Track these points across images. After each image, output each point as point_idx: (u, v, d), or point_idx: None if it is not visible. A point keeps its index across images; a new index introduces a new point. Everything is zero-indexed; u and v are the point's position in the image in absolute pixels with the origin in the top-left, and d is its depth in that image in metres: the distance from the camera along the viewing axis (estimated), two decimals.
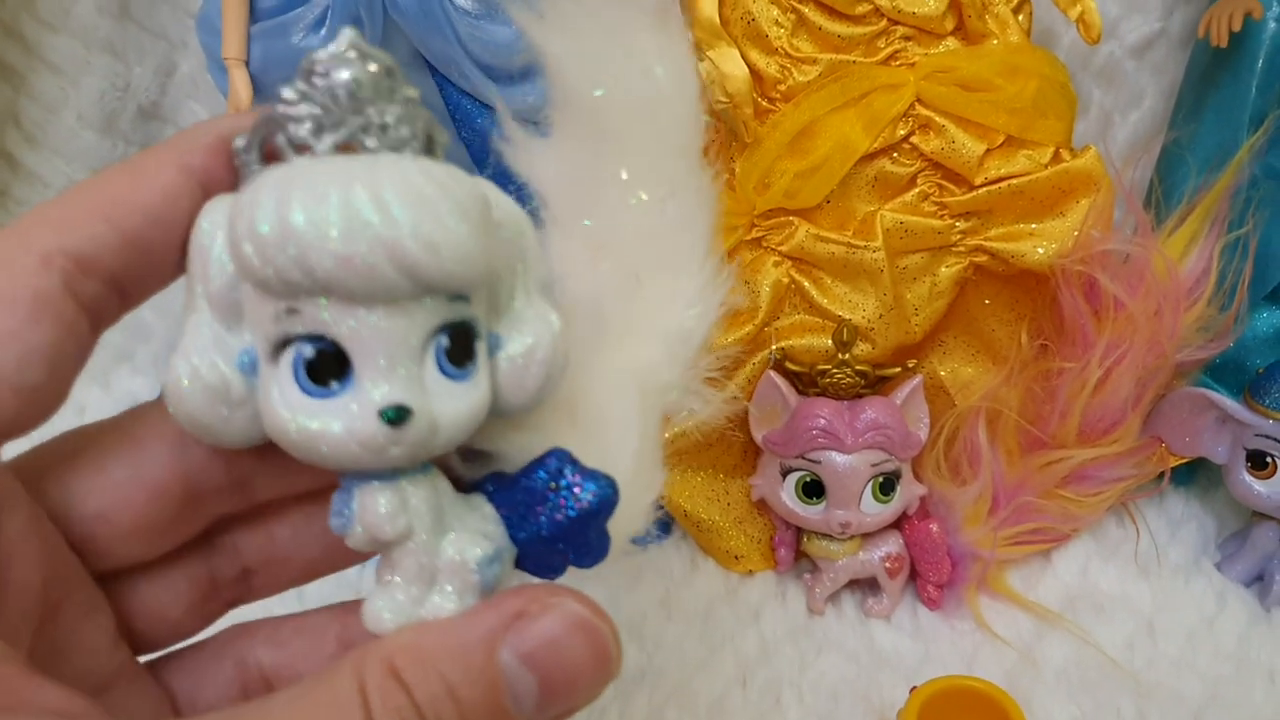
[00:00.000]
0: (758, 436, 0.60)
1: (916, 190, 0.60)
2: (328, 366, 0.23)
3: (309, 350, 0.23)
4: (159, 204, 0.24)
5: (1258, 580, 0.63)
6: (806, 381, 0.60)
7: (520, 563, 0.27)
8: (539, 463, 0.26)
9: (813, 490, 0.59)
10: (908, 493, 0.60)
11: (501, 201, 0.26)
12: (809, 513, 0.60)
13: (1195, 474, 0.68)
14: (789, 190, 0.59)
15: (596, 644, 0.24)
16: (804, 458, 0.59)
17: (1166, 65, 0.70)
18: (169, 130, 0.71)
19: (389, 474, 0.24)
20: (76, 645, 0.26)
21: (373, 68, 0.23)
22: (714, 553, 0.64)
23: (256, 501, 0.28)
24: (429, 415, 0.23)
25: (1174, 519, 0.67)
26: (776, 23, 0.58)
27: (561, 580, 0.26)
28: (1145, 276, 0.58)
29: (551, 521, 0.26)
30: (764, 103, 0.59)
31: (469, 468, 0.27)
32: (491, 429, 0.26)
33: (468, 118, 0.59)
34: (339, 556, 0.29)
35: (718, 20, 0.57)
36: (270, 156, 0.24)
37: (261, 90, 0.57)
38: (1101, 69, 0.70)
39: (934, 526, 0.61)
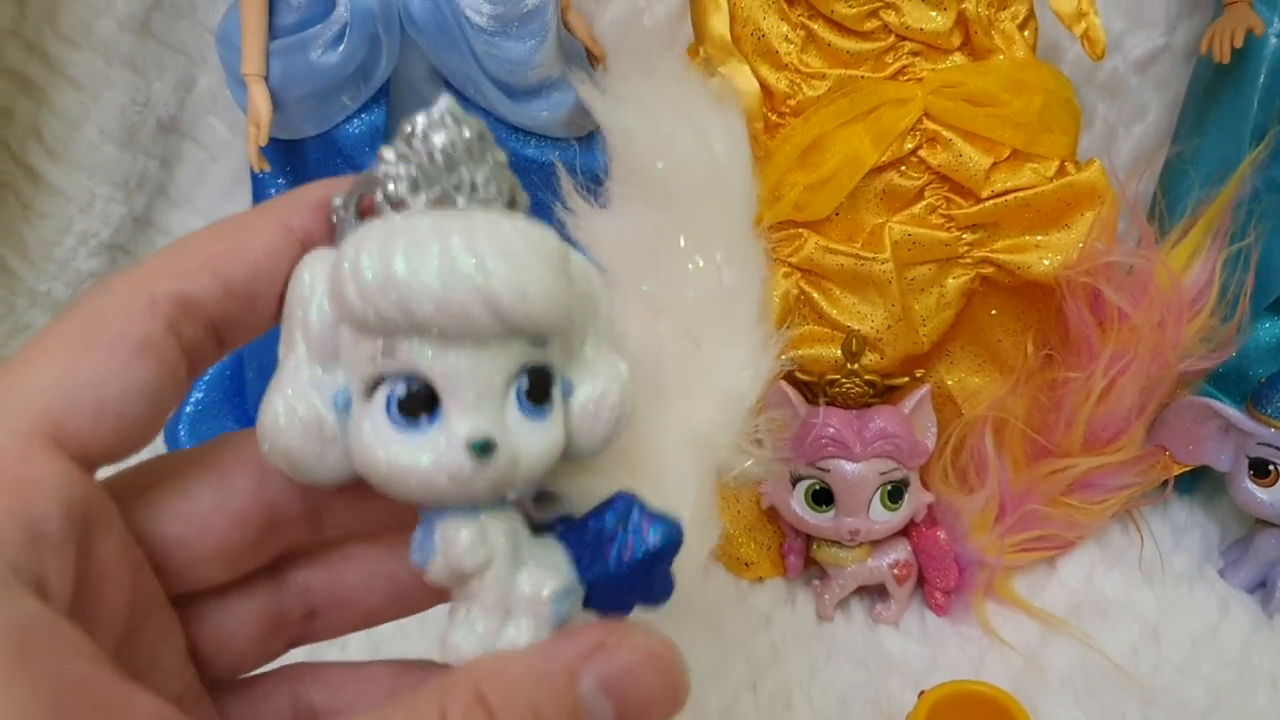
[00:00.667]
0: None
1: (924, 203, 0.60)
2: (419, 403, 0.25)
3: (401, 388, 0.25)
4: (262, 259, 0.26)
5: (1260, 587, 0.63)
6: (816, 391, 0.60)
7: (588, 602, 0.28)
8: (608, 504, 0.27)
9: (822, 498, 0.60)
10: (916, 500, 0.61)
11: (574, 256, 0.28)
12: (818, 520, 0.60)
13: (1199, 482, 0.69)
14: (799, 203, 0.59)
15: (669, 675, 0.25)
16: (813, 466, 0.59)
17: (1170, 80, 0.71)
18: (187, 144, 0.72)
19: (470, 508, 0.25)
20: (153, 664, 0.27)
21: (466, 133, 0.25)
22: (724, 560, 0.65)
23: (327, 537, 0.30)
24: (511, 450, 0.25)
25: (1178, 526, 0.68)
26: (786, 39, 0.59)
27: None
28: (1149, 288, 0.59)
29: (619, 561, 0.27)
30: (774, 117, 0.60)
31: (539, 509, 0.28)
32: (559, 472, 0.28)
33: None
34: (402, 604, 0.30)
35: (729, 37, 0.58)
36: (366, 213, 0.26)
37: (280, 105, 0.58)
38: (1106, 84, 0.71)
39: (941, 534, 0.62)
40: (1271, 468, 0.60)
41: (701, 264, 0.32)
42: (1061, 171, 0.60)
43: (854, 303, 0.61)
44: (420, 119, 0.25)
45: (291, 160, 0.62)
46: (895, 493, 0.60)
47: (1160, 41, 0.69)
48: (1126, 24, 0.69)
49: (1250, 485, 0.61)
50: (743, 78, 0.58)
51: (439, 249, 0.24)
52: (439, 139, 0.25)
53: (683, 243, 0.32)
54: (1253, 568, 0.63)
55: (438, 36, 0.57)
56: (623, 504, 0.27)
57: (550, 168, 0.61)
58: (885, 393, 0.60)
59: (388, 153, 0.26)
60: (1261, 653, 0.59)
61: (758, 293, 0.33)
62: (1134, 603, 0.63)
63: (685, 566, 0.29)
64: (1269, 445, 0.60)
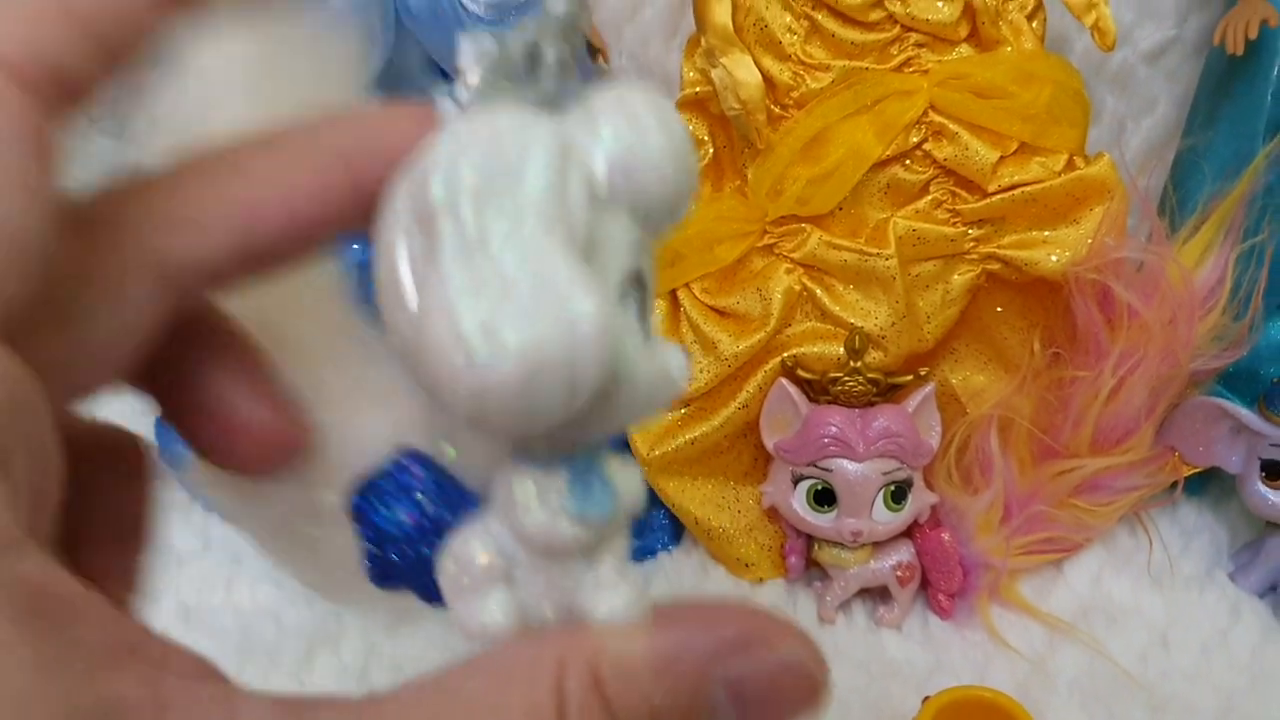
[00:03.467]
0: (769, 444, 0.61)
1: (929, 197, 0.60)
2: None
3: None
4: None
5: (1271, 591, 0.62)
6: (818, 389, 0.60)
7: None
8: None
9: (824, 498, 0.60)
10: (919, 501, 0.60)
11: None
12: (820, 521, 0.60)
13: (1208, 484, 0.68)
14: (801, 197, 0.59)
15: (809, 693, 0.22)
16: (815, 465, 0.59)
17: (1180, 72, 0.70)
18: None
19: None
20: None
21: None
22: (724, 560, 0.64)
23: None
24: None
25: (1187, 529, 0.67)
26: (790, 29, 0.58)
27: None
28: (1159, 285, 0.58)
29: None
30: (777, 109, 0.59)
31: None
32: None
33: None
34: None
35: (731, 27, 0.57)
36: None
37: None
38: (1115, 75, 0.70)
39: (945, 535, 0.61)
40: None
41: None
42: (1070, 165, 0.59)
43: (857, 299, 0.61)
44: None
45: None
46: (898, 493, 0.59)
47: (1171, 33, 0.69)
48: (1137, 15, 0.69)
49: (1262, 487, 0.61)
50: (745, 69, 0.58)
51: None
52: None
53: None
54: (1263, 572, 0.62)
55: (433, 25, 0.56)
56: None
57: None
58: (888, 391, 0.60)
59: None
60: (1273, 659, 0.59)
61: None
62: (1142, 607, 0.62)
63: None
64: None
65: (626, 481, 0.21)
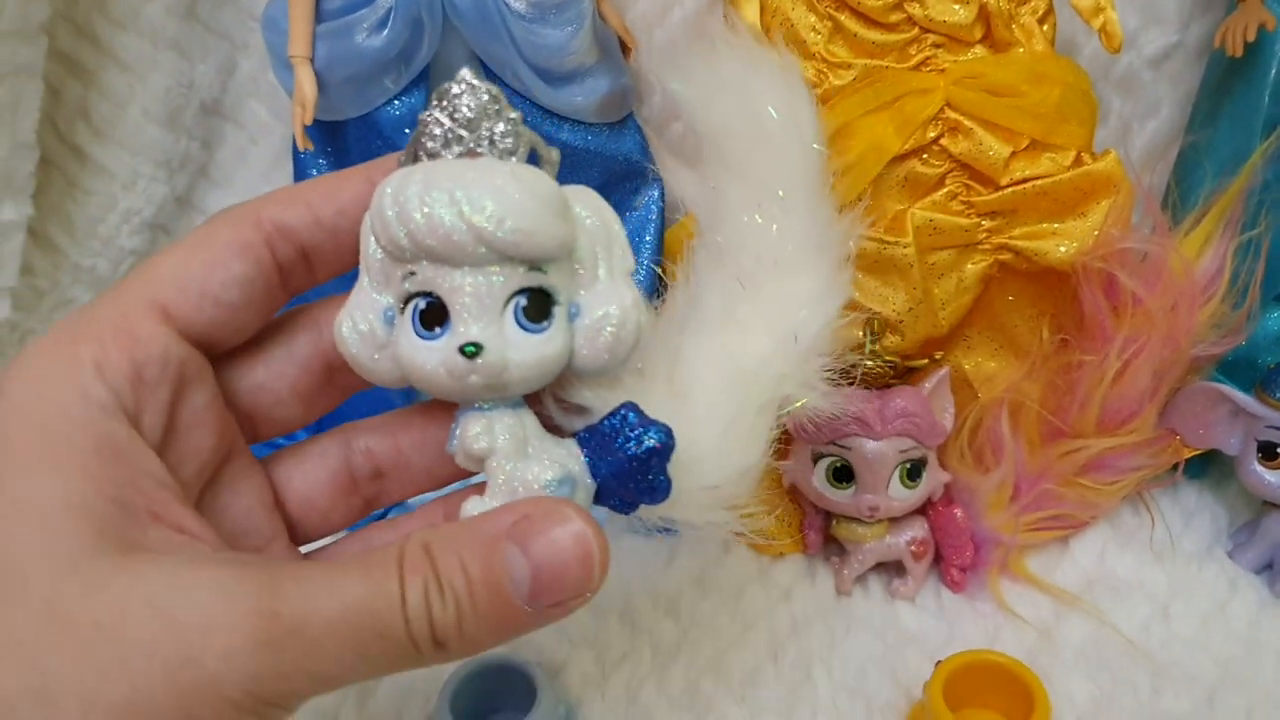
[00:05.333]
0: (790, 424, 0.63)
1: (945, 190, 0.62)
2: (433, 315, 0.31)
3: (422, 304, 0.31)
4: (348, 201, 0.33)
5: (1268, 569, 0.65)
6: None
7: (599, 498, 0.33)
8: (613, 412, 0.33)
9: (842, 475, 0.62)
10: (933, 479, 0.62)
11: (590, 200, 0.33)
12: (838, 497, 0.62)
13: (1208, 467, 0.70)
14: None
15: (586, 551, 0.29)
16: (835, 444, 0.61)
17: (1183, 76, 0.72)
18: (229, 126, 0.74)
19: (483, 408, 0.32)
20: (240, 510, 0.33)
21: (484, 96, 0.31)
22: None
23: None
24: (501, 355, 0.30)
25: (1188, 509, 0.69)
26: (814, 29, 0.61)
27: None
28: (1162, 274, 0.61)
29: (618, 459, 0.32)
30: None
31: (568, 420, 0.34)
32: (585, 387, 0.34)
33: None
34: (452, 469, 0.36)
35: (759, 26, 0.60)
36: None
37: (325, 87, 0.59)
38: (1121, 78, 0.72)
39: (958, 512, 0.63)
40: (1279, 450, 0.62)
41: (758, 219, 0.35)
42: (1078, 161, 0.62)
43: (876, 286, 0.63)
44: (448, 87, 0.31)
45: (333, 141, 0.64)
46: (914, 471, 0.61)
47: (1174, 38, 0.71)
48: (1141, 21, 0.70)
49: (1258, 468, 0.63)
50: None
51: (440, 188, 0.29)
52: (463, 103, 0.31)
53: (738, 197, 0.35)
54: (1260, 549, 0.65)
55: (479, 22, 0.59)
56: (623, 410, 0.32)
57: (583, 152, 0.63)
58: (905, 374, 0.62)
59: (426, 114, 0.31)
60: (1269, 630, 0.61)
61: (818, 241, 0.37)
62: (1145, 581, 0.64)
63: (718, 473, 0.35)
64: (1277, 429, 0.62)
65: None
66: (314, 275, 0.34)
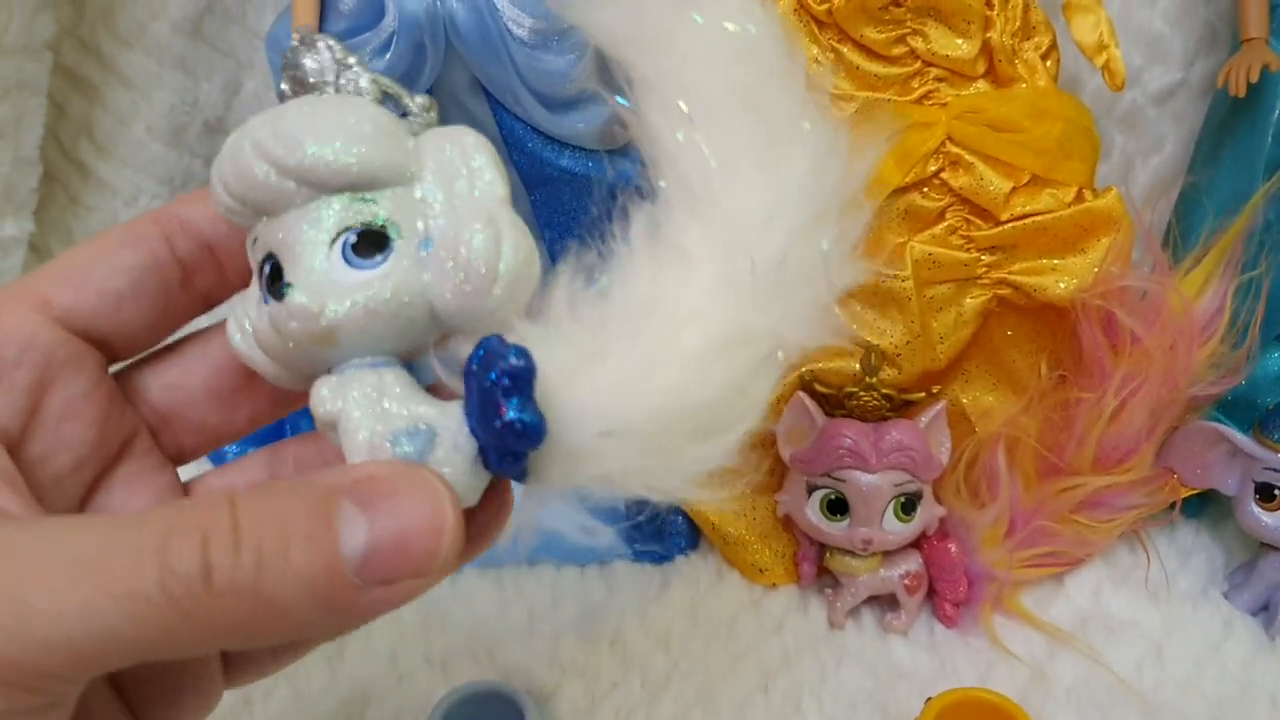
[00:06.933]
0: (785, 455, 0.63)
1: (945, 224, 0.62)
2: (274, 279, 0.28)
3: (267, 268, 0.28)
4: None
5: (1264, 610, 0.64)
6: (834, 403, 0.62)
7: (487, 462, 0.27)
8: (475, 348, 0.27)
9: (837, 508, 0.61)
10: (928, 513, 0.62)
11: (453, 133, 0.29)
12: (833, 529, 0.62)
13: (1206, 506, 0.70)
14: None
15: (434, 519, 0.25)
16: (830, 476, 0.61)
17: (1186, 113, 0.72)
18: None
19: (348, 370, 0.28)
20: (130, 502, 0.32)
21: (325, 53, 0.29)
22: (739, 565, 0.67)
23: None
24: (313, 291, 0.27)
25: (1184, 549, 0.69)
26: (816, 61, 0.61)
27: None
28: (1161, 313, 0.60)
29: (474, 398, 0.26)
30: None
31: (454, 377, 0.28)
32: (466, 339, 0.28)
33: (519, 141, 0.62)
34: None
35: None
36: None
37: None
38: (1124, 115, 0.72)
39: (952, 547, 0.63)
40: (1277, 492, 0.62)
41: (680, 137, 0.30)
42: (1079, 198, 0.62)
43: (874, 318, 0.63)
44: (292, 44, 0.29)
45: None
46: (908, 505, 0.61)
47: (1178, 76, 0.71)
48: (1145, 59, 0.71)
49: (1256, 509, 0.63)
50: None
51: (244, 136, 0.27)
52: (306, 60, 0.28)
53: (684, 107, 0.30)
54: (1257, 591, 0.64)
55: (481, 47, 0.59)
56: (484, 341, 0.26)
57: (583, 177, 0.63)
58: (902, 407, 0.62)
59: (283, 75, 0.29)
60: (1263, 672, 0.60)
61: (768, 149, 0.30)
62: (1139, 620, 0.64)
63: (644, 435, 0.27)
64: (1275, 470, 0.61)
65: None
66: (224, 274, 0.32)
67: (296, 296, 0.26)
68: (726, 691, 0.59)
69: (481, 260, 0.27)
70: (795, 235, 0.29)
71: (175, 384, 0.33)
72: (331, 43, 0.29)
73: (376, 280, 0.27)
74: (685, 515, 0.67)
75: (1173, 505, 0.66)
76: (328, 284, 0.27)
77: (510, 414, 0.25)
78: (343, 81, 0.28)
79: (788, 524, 0.66)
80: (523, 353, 0.25)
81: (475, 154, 0.28)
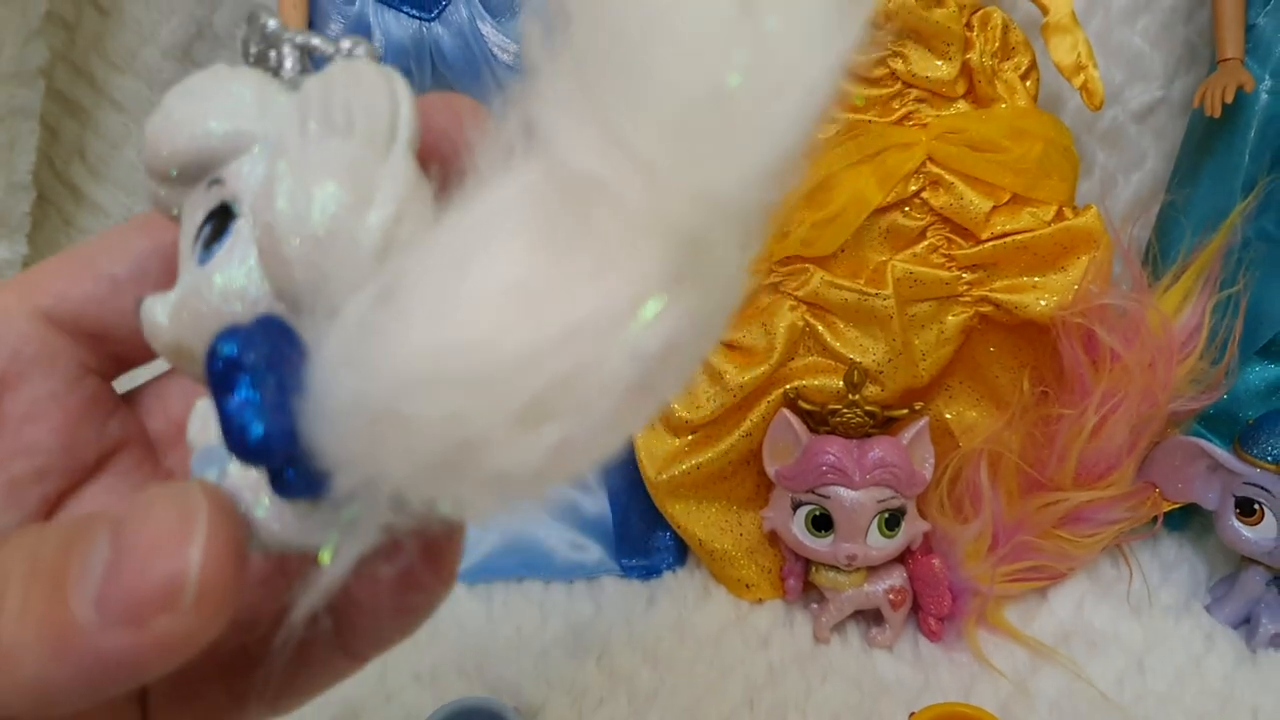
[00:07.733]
0: (770, 471, 0.63)
1: (926, 243, 0.63)
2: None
3: None
4: None
5: (1245, 623, 0.65)
6: (818, 420, 0.63)
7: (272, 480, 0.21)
8: None
9: (822, 523, 0.62)
10: (912, 529, 0.63)
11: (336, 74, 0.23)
12: (817, 545, 0.62)
13: (1188, 519, 0.71)
14: (806, 239, 0.62)
15: (179, 534, 0.19)
16: (814, 492, 0.61)
17: (1167, 130, 0.73)
18: None
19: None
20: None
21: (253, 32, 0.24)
22: (726, 581, 0.67)
23: None
24: (150, 304, 0.23)
25: (1166, 562, 0.69)
26: None
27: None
28: (1141, 330, 0.61)
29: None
30: None
31: None
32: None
33: None
34: None
35: None
36: None
37: None
38: (1106, 132, 0.73)
39: (936, 562, 0.64)
40: (1257, 506, 0.62)
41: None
42: (1059, 216, 0.62)
43: (856, 336, 0.64)
44: (242, 33, 0.24)
45: None
46: (892, 520, 0.62)
47: (1158, 93, 0.72)
48: (1127, 76, 0.71)
49: (1236, 523, 0.63)
50: None
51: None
52: (251, 47, 0.24)
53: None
54: (1238, 604, 0.65)
55: (466, 73, 0.60)
56: (225, 329, 0.21)
57: None
58: (885, 423, 0.62)
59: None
60: (1243, 685, 0.61)
61: None
62: (1121, 634, 0.64)
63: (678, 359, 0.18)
64: (1255, 485, 0.62)
65: None
66: None
67: (142, 312, 0.23)
68: (713, 706, 0.60)
69: (286, 216, 0.20)
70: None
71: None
72: (269, 22, 0.23)
73: (215, 272, 0.21)
74: (672, 532, 0.67)
75: (1155, 519, 0.67)
76: (181, 284, 0.22)
77: (228, 411, 0.19)
78: (255, 53, 0.24)
79: (773, 540, 0.66)
80: (235, 336, 0.19)
81: (341, 89, 0.21)
